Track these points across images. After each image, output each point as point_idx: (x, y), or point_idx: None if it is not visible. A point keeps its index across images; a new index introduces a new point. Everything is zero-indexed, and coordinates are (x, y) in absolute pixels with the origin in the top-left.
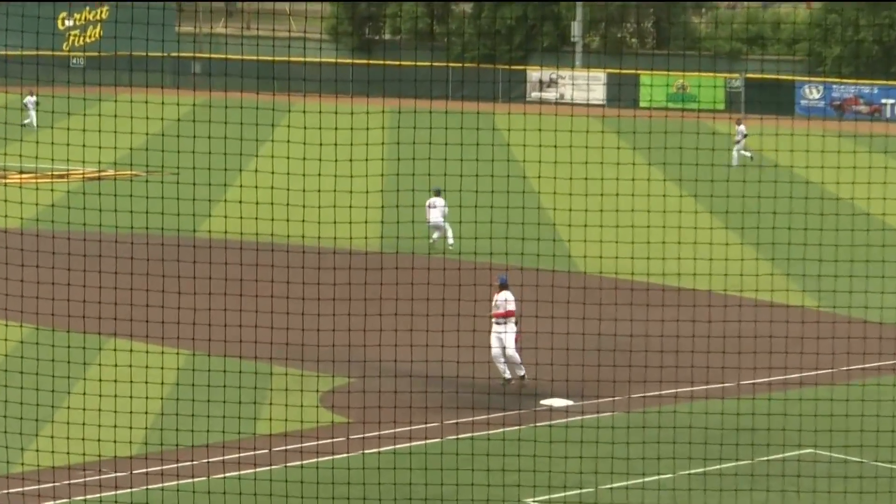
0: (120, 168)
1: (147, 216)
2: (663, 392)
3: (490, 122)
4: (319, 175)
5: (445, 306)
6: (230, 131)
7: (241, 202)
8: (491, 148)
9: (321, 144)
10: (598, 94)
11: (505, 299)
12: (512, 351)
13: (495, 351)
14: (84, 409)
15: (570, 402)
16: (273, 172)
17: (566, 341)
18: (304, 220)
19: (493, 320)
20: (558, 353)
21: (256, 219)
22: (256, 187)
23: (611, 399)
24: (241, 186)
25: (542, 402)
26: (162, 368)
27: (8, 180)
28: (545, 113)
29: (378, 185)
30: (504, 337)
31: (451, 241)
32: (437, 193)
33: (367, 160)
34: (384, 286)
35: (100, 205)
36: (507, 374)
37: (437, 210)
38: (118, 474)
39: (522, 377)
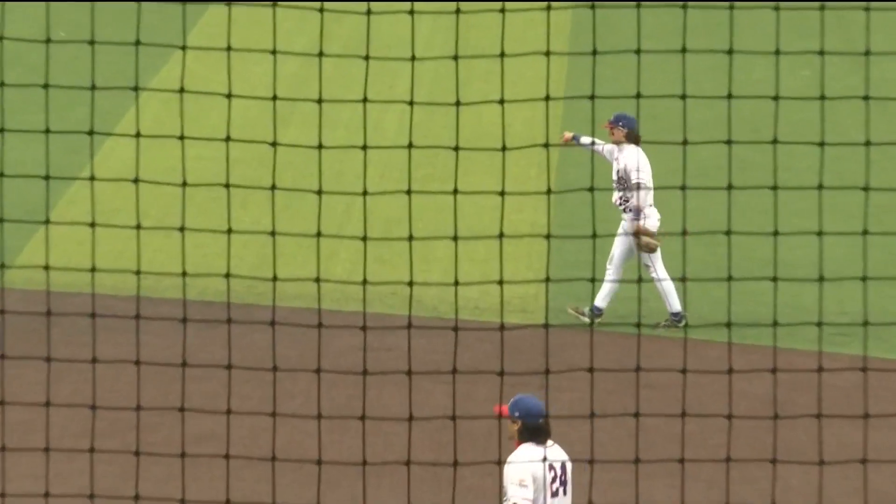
0: None
1: None
2: None
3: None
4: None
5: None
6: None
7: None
8: (773, 63)
9: (414, 60)
10: None
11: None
12: None
13: None
14: None
15: None
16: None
17: None
18: (368, 242)
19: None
20: None
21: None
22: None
23: None
24: (128, 134)
25: None
26: None
27: None
28: None
29: (539, 159)
30: None
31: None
32: (629, 133)
33: (513, 102)
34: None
35: None
36: None
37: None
38: None
39: None
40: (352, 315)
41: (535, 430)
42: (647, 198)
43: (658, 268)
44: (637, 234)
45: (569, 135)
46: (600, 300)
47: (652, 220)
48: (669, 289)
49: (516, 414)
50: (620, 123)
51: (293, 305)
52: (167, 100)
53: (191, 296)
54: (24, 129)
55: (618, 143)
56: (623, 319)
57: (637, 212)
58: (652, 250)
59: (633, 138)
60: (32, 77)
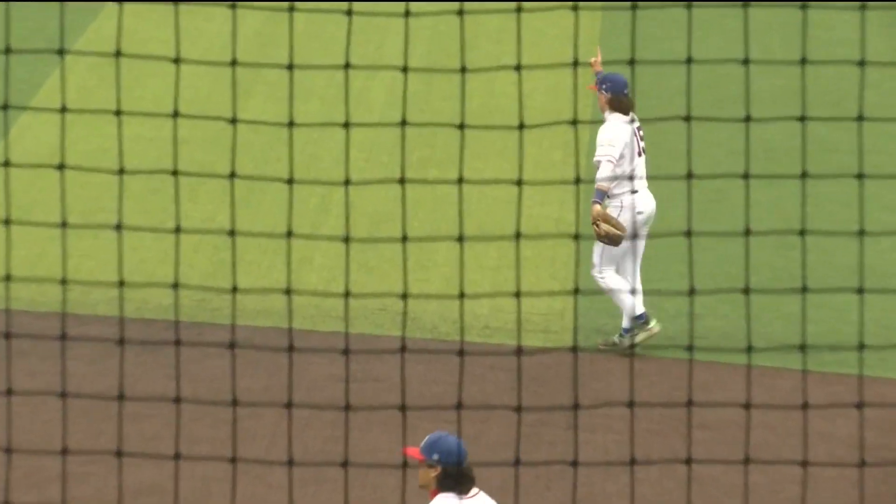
0: None
1: None
2: None
3: None
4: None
5: None
6: None
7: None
8: None
9: (408, 16)
10: None
11: None
12: None
13: None
14: None
15: None
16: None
17: None
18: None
19: None
20: None
21: None
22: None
23: None
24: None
25: None
26: None
27: None
28: None
29: (566, 139)
30: None
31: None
32: (612, 99)
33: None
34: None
35: None
36: None
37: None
38: None
39: None
40: (330, 336)
41: (458, 477)
42: (629, 181)
43: (607, 273)
44: (594, 221)
45: (599, 60)
46: (628, 319)
47: (627, 212)
48: (626, 300)
49: (434, 457)
50: (603, 87)
51: (256, 324)
52: (97, 65)
53: (128, 312)
54: None
55: (602, 110)
56: (671, 341)
57: (601, 195)
58: (614, 242)
59: (618, 106)
60: None
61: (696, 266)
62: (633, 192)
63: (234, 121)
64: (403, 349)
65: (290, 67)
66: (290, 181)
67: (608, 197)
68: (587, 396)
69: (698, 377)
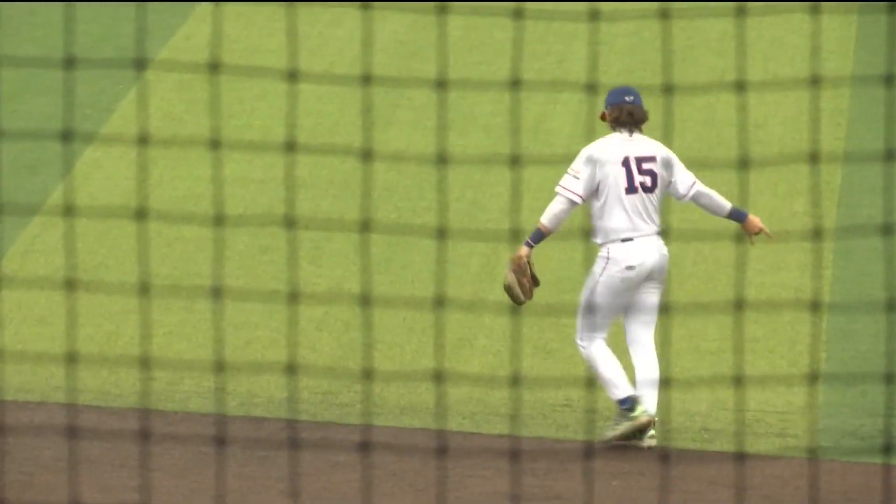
0: None
1: None
2: None
3: None
4: None
5: None
6: None
7: None
8: None
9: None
10: None
11: None
12: None
13: None
14: None
15: None
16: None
17: None
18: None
19: None
20: None
21: None
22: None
23: None
24: None
25: None
26: None
27: None
28: None
29: (805, 184)
30: None
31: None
32: (608, 113)
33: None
34: None
35: None
36: None
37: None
38: None
39: None
40: (496, 440)
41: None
42: (614, 227)
43: (587, 341)
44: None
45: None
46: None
47: (612, 265)
48: (608, 371)
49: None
50: (629, 107)
51: (399, 424)
52: (186, 82)
53: (229, 408)
54: None
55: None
56: None
57: (538, 236)
58: (514, 300)
59: (615, 118)
60: None
61: None
62: (625, 240)
63: (368, 156)
64: (592, 457)
65: (443, 86)
66: (443, 235)
67: (598, 245)
68: None
69: None
